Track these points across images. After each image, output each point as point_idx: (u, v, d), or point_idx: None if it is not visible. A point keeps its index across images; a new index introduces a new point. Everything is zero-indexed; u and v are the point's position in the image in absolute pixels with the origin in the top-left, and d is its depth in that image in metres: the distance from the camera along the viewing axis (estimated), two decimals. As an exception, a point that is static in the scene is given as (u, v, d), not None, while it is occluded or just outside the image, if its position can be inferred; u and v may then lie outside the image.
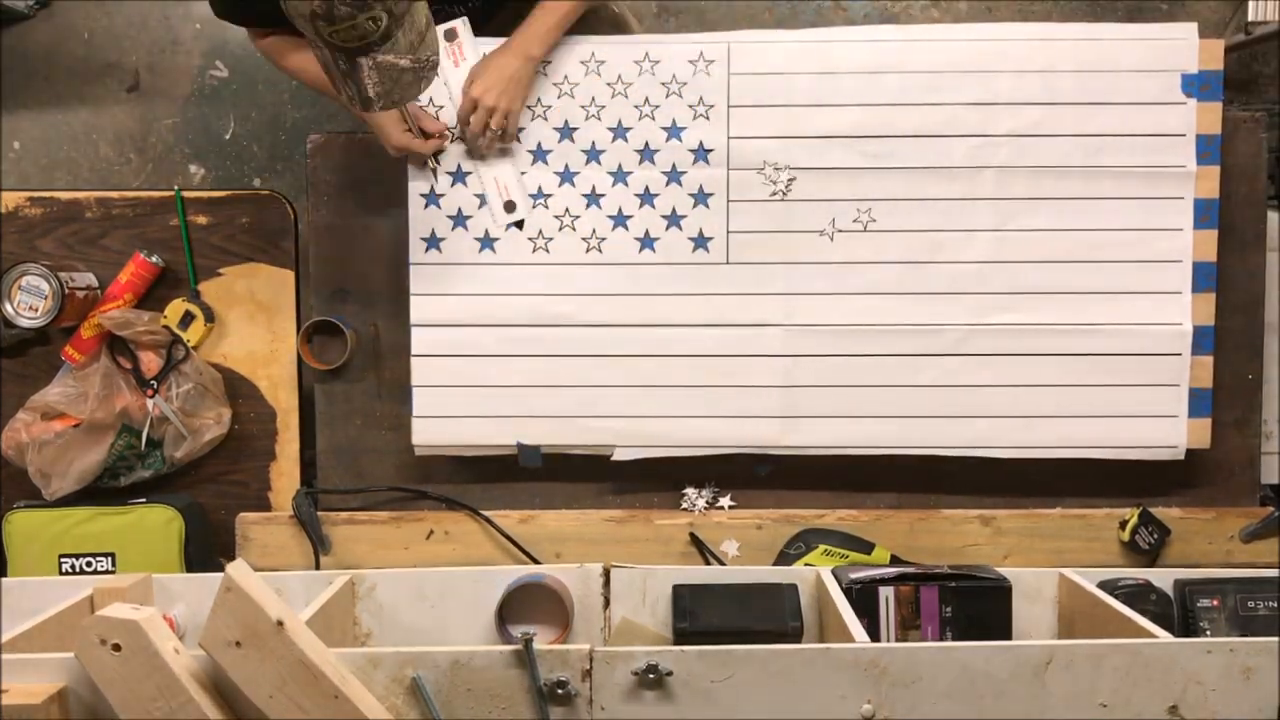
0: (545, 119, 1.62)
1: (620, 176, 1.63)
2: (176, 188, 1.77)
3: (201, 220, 1.78)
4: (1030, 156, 1.60)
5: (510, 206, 1.62)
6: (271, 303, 1.78)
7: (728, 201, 1.62)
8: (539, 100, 1.62)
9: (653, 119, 1.62)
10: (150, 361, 1.73)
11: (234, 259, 1.78)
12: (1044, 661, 1.17)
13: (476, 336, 1.65)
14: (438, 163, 1.62)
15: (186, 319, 1.75)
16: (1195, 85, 1.59)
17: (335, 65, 1.28)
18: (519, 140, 1.61)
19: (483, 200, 1.63)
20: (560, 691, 1.16)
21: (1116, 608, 1.35)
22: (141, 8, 2.48)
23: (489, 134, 1.57)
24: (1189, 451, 1.65)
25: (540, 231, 1.64)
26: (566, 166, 1.63)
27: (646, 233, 1.63)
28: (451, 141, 1.61)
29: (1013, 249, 1.61)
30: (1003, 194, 1.61)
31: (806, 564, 1.62)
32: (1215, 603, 1.48)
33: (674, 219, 1.63)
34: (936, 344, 1.62)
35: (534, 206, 1.63)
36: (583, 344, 1.64)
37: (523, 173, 1.62)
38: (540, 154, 1.63)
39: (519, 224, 1.64)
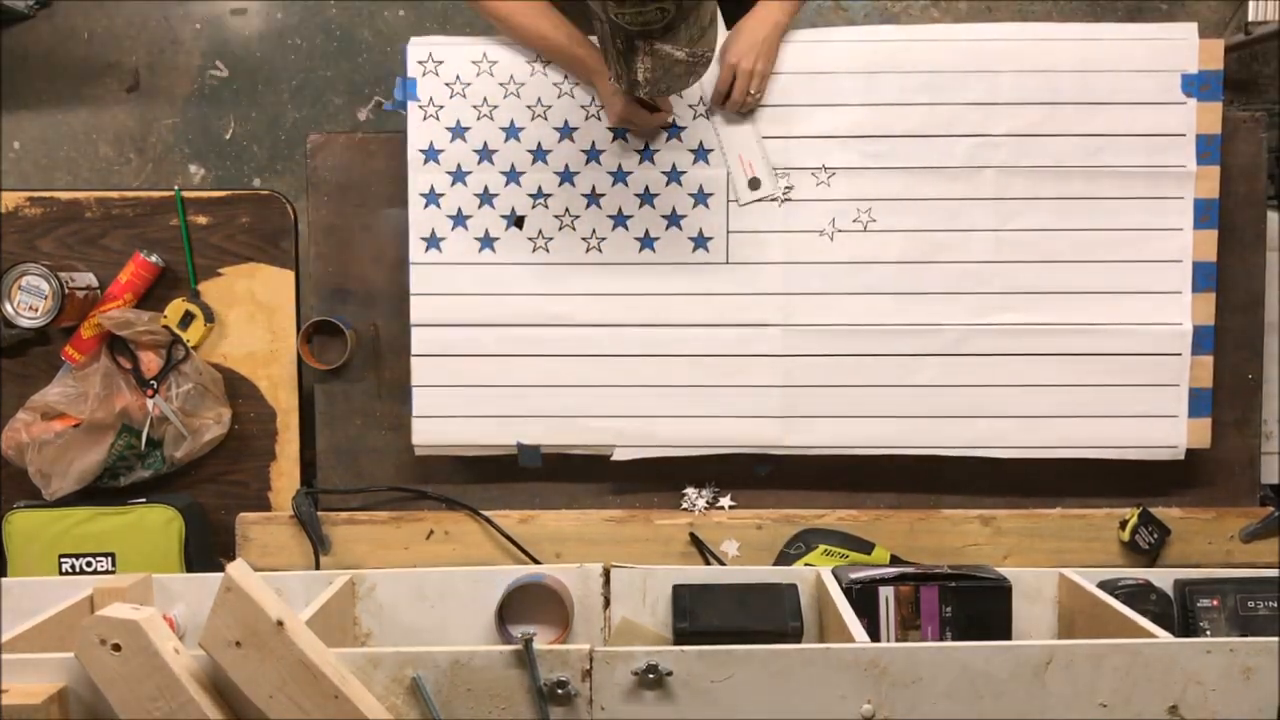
0: (545, 119, 1.63)
1: (620, 176, 1.63)
2: (177, 188, 1.77)
3: (201, 220, 1.78)
4: (1030, 156, 1.60)
5: (755, 184, 1.60)
6: (271, 303, 1.78)
7: (727, 201, 1.62)
8: (539, 99, 1.62)
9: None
10: (150, 361, 1.73)
11: (234, 259, 1.78)
12: (1044, 661, 1.17)
13: (476, 336, 1.65)
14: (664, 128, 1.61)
15: (186, 319, 1.75)
16: (1195, 85, 1.59)
17: (612, 43, 1.28)
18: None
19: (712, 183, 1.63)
20: (560, 691, 1.16)
21: (1116, 608, 1.35)
22: (141, 8, 2.48)
23: (750, 98, 1.58)
24: (1189, 451, 1.65)
25: (540, 231, 1.64)
26: (566, 166, 1.63)
27: (646, 232, 1.63)
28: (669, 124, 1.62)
29: (1013, 249, 1.61)
30: (1003, 194, 1.61)
31: (806, 564, 1.62)
32: (1215, 603, 1.48)
33: (674, 219, 1.63)
34: (936, 344, 1.62)
35: (534, 207, 1.64)
36: (583, 344, 1.64)
37: (764, 154, 1.62)
38: (540, 154, 1.63)
39: (519, 223, 1.64)
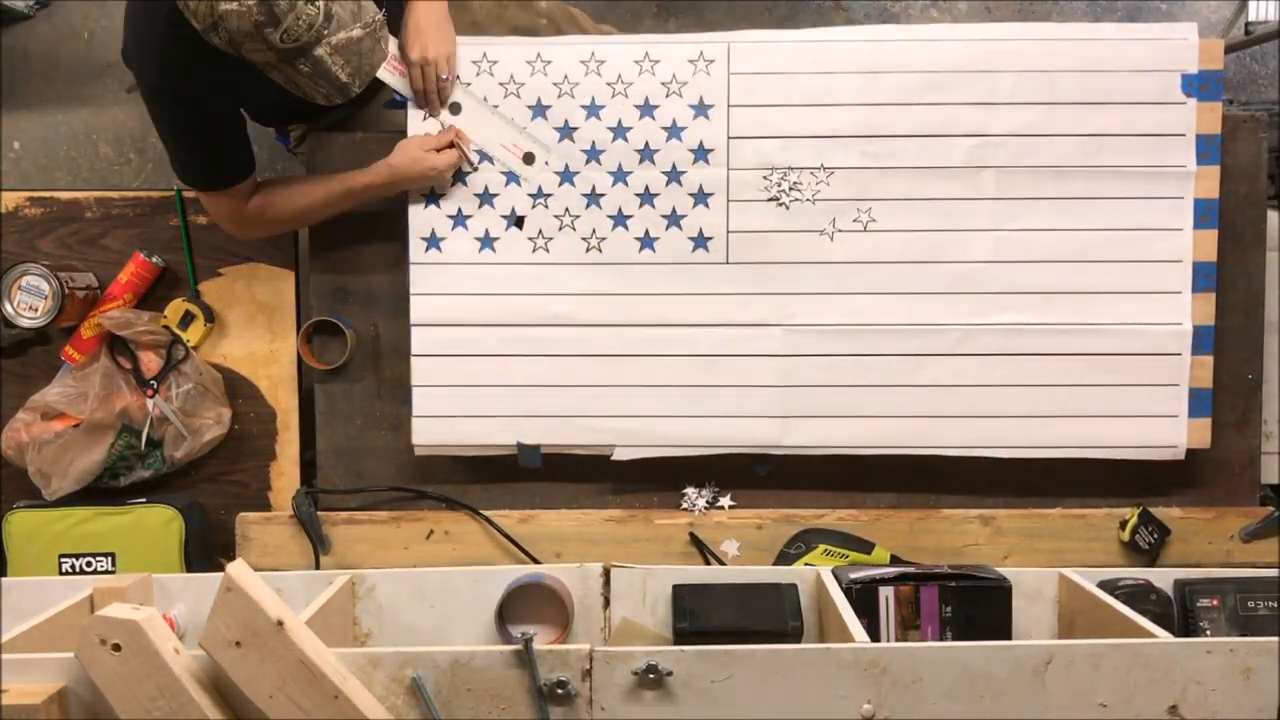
0: (545, 118, 1.63)
1: (620, 176, 1.63)
2: (176, 188, 1.77)
3: (201, 220, 1.77)
4: (1030, 157, 1.60)
5: (530, 158, 1.61)
6: (271, 303, 1.78)
7: (728, 201, 1.62)
8: (539, 100, 1.62)
9: (653, 119, 1.62)
10: (150, 361, 1.73)
11: (234, 259, 1.78)
12: (1044, 661, 1.17)
13: (476, 336, 1.65)
14: (473, 166, 1.63)
15: (186, 319, 1.75)
16: (1195, 85, 1.59)
17: (299, 72, 1.30)
18: (459, 78, 1.61)
19: (485, 198, 1.63)
20: (560, 691, 1.16)
21: (1116, 608, 1.35)
22: (141, 8, 2.48)
23: (443, 83, 1.60)
24: (1189, 451, 1.65)
25: (540, 231, 1.64)
26: (566, 166, 1.63)
27: (646, 232, 1.63)
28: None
29: (1013, 249, 1.61)
30: (1003, 194, 1.61)
31: (806, 564, 1.62)
32: (1215, 603, 1.49)
33: (674, 219, 1.63)
34: (937, 344, 1.62)
35: (534, 207, 1.64)
36: (582, 344, 1.64)
37: (524, 128, 1.62)
38: (539, 155, 1.63)
39: (519, 223, 1.64)
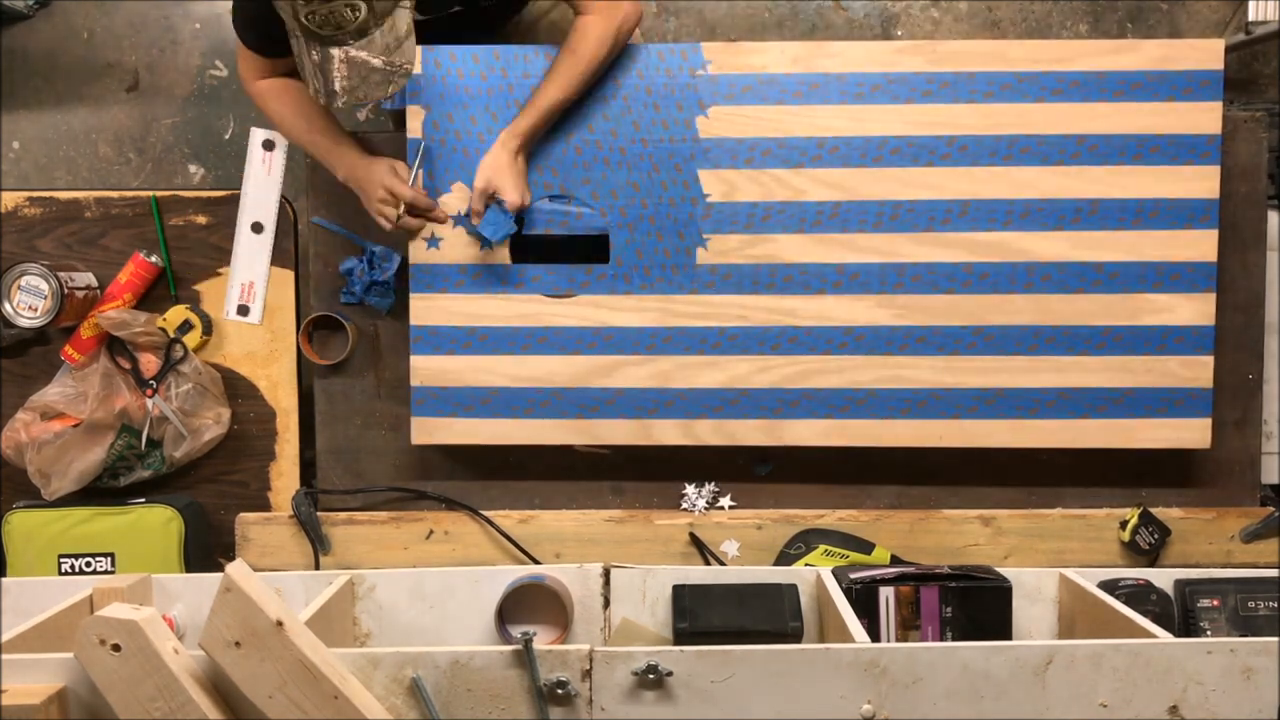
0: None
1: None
2: (153, 195, 1.77)
3: (201, 220, 1.78)
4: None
5: (244, 310, 1.72)
6: (271, 302, 1.78)
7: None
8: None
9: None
10: (149, 361, 1.73)
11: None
12: (1044, 661, 1.17)
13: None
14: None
15: (185, 327, 1.75)
16: (1195, 85, 1.58)
17: (308, 54, 1.30)
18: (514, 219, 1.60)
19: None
20: (560, 692, 1.16)
21: (1117, 608, 1.35)
22: (141, 8, 2.48)
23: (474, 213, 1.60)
24: (1189, 451, 1.65)
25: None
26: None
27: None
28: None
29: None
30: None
31: (806, 564, 1.62)
32: (1215, 603, 1.48)
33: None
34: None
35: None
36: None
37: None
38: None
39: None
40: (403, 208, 1.57)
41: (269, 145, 1.75)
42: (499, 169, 1.55)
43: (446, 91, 1.63)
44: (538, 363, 1.65)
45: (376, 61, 1.31)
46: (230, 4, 1.55)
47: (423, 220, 1.62)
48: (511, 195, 1.55)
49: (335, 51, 1.29)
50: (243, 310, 1.74)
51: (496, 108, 1.62)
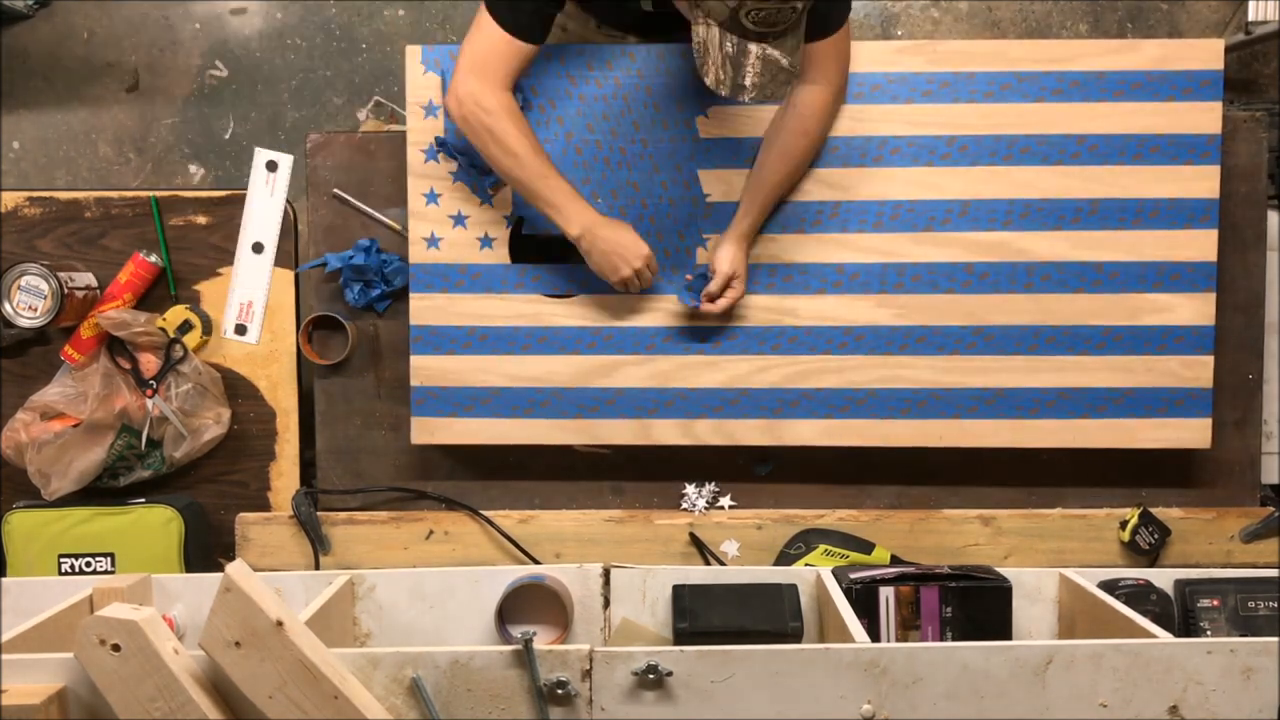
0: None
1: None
2: (153, 195, 1.77)
3: (201, 220, 1.78)
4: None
5: (241, 330, 1.71)
6: (271, 302, 1.78)
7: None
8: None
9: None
10: (149, 361, 1.73)
11: (234, 259, 1.77)
12: (1044, 661, 1.17)
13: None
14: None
15: (185, 328, 1.75)
16: (1195, 85, 1.58)
17: (720, 46, 1.26)
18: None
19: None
20: (560, 692, 1.16)
21: (1117, 608, 1.35)
22: (141, 8, 2.48)
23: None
24: (1189, 451, 1.65)
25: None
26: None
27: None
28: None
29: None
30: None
31: (806, 564, 1.62)
32: (1215, 603, 1.48)
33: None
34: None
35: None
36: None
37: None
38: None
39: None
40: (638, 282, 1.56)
41: (272, 166, 1.75)
42: (740, 261, 1.56)
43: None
44: (538, 363, 1.65)
45: (785, 61, 1.28)
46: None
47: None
48: (740, 287, 1.57)
49: (754, 47, 1.25)
50: (240, 329, 1.75)
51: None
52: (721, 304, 1.57)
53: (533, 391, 1.65)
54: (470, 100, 1.46)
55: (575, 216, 1.51)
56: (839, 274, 1.63)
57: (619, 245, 1.53)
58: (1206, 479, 1.70)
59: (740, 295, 1.57)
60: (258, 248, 1.74)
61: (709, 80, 1.29)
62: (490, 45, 1.45)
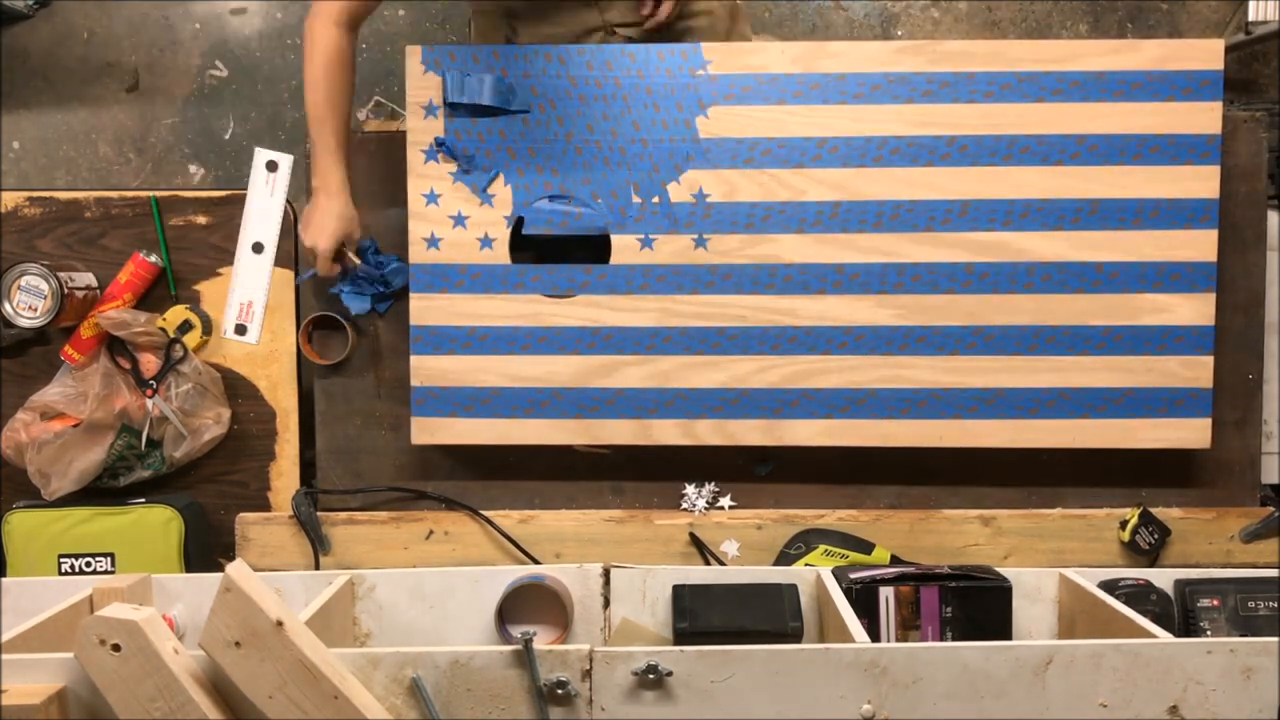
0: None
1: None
2: (153, 195, 1.77)
3: (201, 220, 1.78)
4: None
5: (241, 330, 1.73)
6: (271, 302, 1.78)
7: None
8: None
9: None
10: (149, 361, 1.73)
11: (234, 259, 1.77)
12: (1044, 661, 1.17)
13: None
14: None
15: (185, 327, 1.75)
16: (1195, 85, 1.58)
17: None
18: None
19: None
20: (560, 692, 1.16)
21: (1117, 608, 1.35)
22: (141, 8, 2.48)
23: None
24: (1189, 452, 1.65)
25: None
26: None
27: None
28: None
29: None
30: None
31: (806, 564, 1.62)
32: (1216, 603, 1.49)
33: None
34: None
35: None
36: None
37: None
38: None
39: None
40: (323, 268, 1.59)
41: (272, 166, 1.75)
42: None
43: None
44: (538, 363, 1.65)
45: None
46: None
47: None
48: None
49: None
50: (240, 330, 1.75)
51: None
52: (666, 8, 1.57)
53: (533, 391, 1.65)
54: (308, 28, 1.57)
55: (321, 171, 1.57)
56: (839, 274, 1.63)
57: (322, 215, 1.57)
58: (1206, 479, 1.70)
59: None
60: (258, 248, 1.74)
61: None
62: None
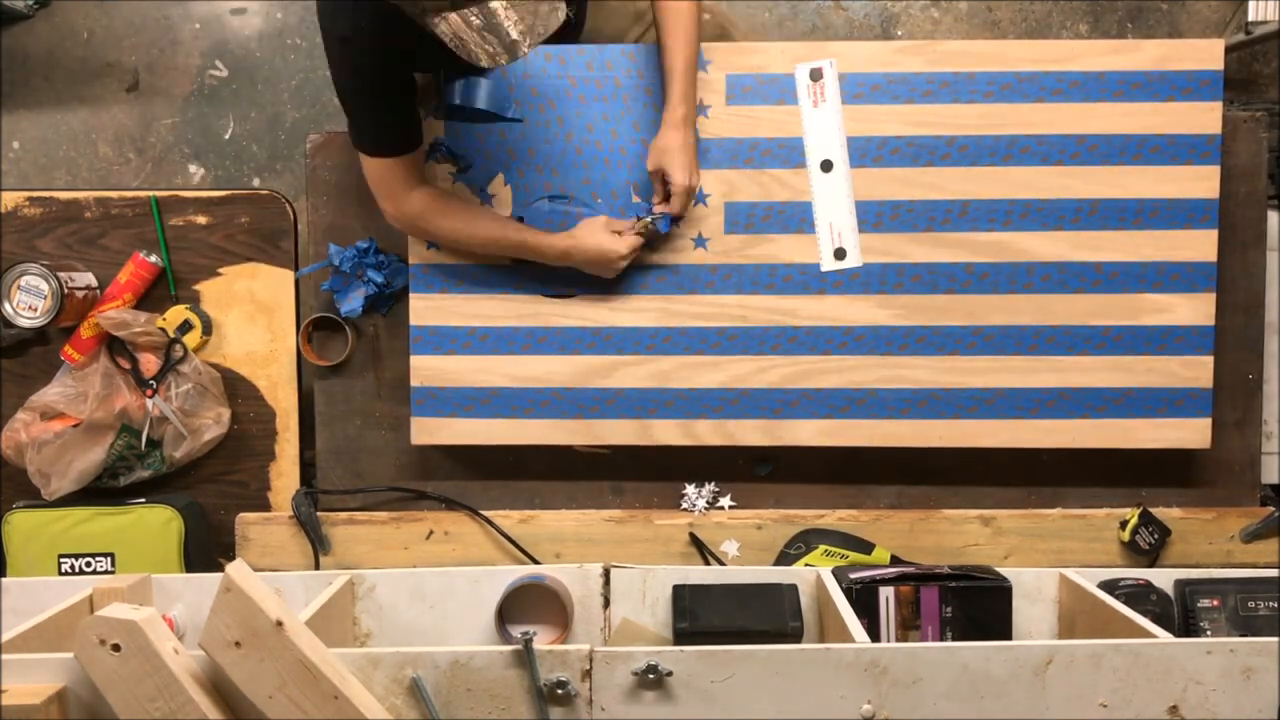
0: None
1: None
2: (153, 195, 1.76)
3: (201, 220, 1.78)
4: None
5: (840, 254, 1.60)
6: (271, 303, 1.78)
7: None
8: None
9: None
10: (149, 361, 1.73)
11: (234, 259, 1.78)
12: (1044, 661, 1.17)
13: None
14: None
15: (185, 327, 1.75)
16: (1195, 85, 1.59)
17: (468, 27, 1.20)
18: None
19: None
20: (560, 692, 1.16)
21: (1117, 608, 1.35)
22: (141, 8, 2.48)
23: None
24: (1189, 451, 1.65)
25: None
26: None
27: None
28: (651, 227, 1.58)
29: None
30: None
31: (807, 564, 1.62)
32: (1215, 603, 1.49)
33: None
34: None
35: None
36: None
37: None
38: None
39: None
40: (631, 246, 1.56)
41: (816, 75, 1.61)
42: (668, 151, 1.52)
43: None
44: (538, 363, 1.65)
45: None
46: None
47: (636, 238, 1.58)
48: (679, 176, 1.52)
49: (495, 3, 1.19)
50: (839, 254, 1.60)
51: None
52: (677, 204, 1.55)
53: (533, 391, 1.65)
54: (401, 221, 1.58)
55: (547, 249, 1.56)
56: (839, 274, 1.63)
57: (599, 252, 1.55)
58: (1206, 479, 1.70)
59: (684, 186, 1.52)
60: (826, 166, 1.60)
61: (484, 61, 1.24)
62: (380, 173, 1.54)
